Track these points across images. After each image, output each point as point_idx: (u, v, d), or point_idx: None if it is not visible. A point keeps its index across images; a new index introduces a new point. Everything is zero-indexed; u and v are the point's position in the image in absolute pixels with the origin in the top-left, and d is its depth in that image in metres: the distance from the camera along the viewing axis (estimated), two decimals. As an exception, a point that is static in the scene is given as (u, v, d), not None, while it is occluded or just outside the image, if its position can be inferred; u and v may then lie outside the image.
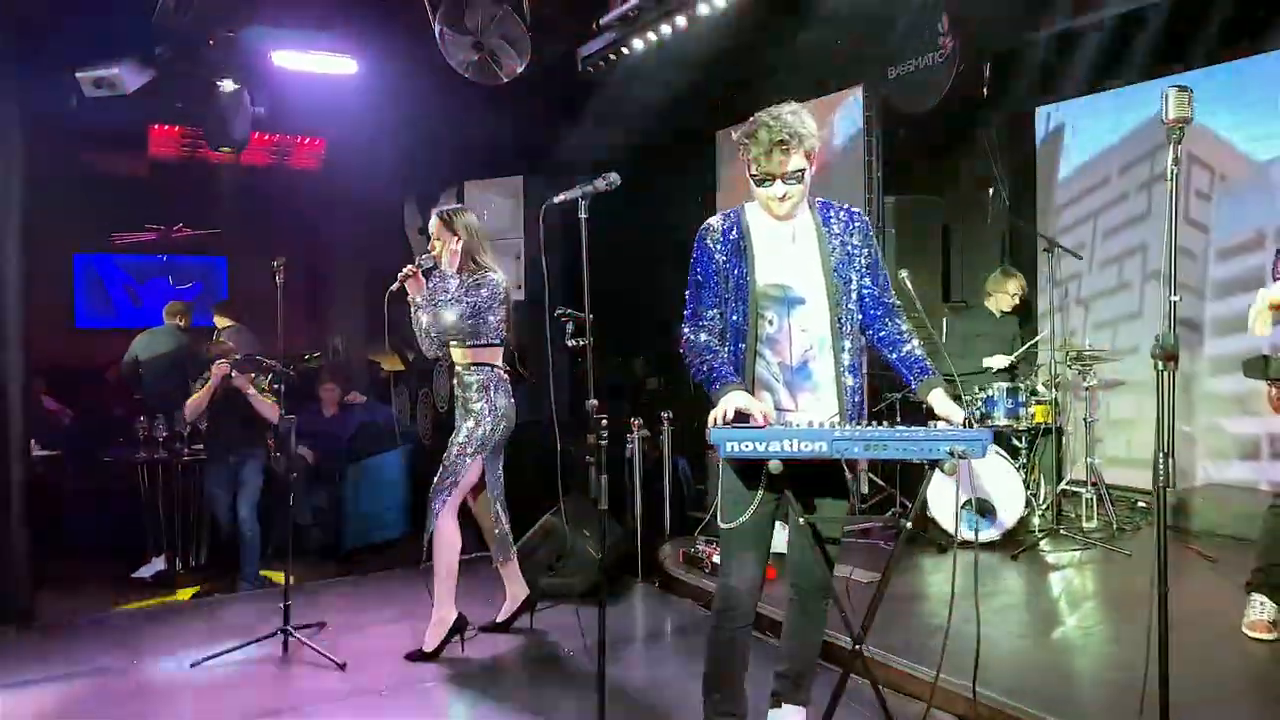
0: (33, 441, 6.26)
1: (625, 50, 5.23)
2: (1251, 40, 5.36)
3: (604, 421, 2.88)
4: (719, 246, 2.78)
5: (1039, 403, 5.34)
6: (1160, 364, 2.41)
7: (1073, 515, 5.65)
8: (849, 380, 2.75)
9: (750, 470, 2.68)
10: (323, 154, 7.64)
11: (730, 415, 2.49)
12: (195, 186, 7.95)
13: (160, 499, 6.03)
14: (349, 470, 6.63)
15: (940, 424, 2.61)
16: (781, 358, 2.75)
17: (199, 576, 6.00)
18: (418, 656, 3.93)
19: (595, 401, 2.88)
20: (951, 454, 2.39)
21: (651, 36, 4.97)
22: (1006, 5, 5.47)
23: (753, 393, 2.76)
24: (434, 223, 3.96)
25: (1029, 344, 5.73)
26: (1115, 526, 5.35)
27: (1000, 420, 5.30)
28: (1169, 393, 2.41)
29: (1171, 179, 2.42)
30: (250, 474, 5.43)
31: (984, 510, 5.15)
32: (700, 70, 6.75)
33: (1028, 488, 5.15)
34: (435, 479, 3.93)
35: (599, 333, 3.18)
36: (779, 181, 2.63)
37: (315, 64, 5.51)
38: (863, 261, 2.78)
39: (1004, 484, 5.09)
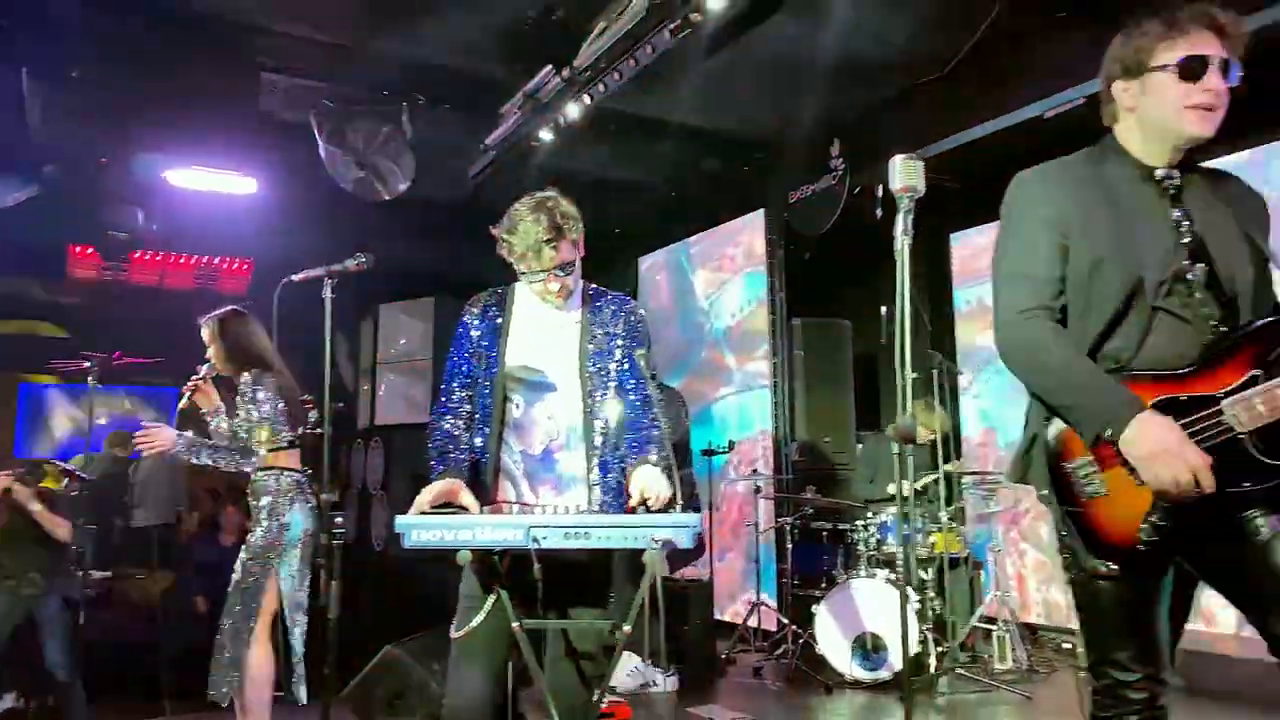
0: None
1: (503, 168, 5.26)
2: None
3: (339, 520, 2.64)
4: (476, 323, 2.61)
5: (939, 530, 5.01)
6: (898, 445, 2.18)
7: (989, 655, 5.18)
8: (598, 475, 2.51)
9: (491, 570, 2.42)
10: (249, 277, 7.69)
11: (425, 503, 2.26)
12: (125, 311, 7.97)
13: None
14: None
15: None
16: (525, 446, 2.54)
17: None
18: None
19: (331, 496, 2.65)
20: (655, 542, 2.12)
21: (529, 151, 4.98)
22: (895, 127, 5.50)
23: (496, 483, 2.54)
24: (204, 331, 3.82)
25: (932, 475, 5.41)
26: (1027, 667, 4.88)
27: (894, 548, 4.96)
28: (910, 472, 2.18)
29: (901, 250, 2.27)
30: (51, 610, 4.61)
31: (878, 647, 4.73)
32: (610, 194, 6.86)
33: (924, 621, 4.73)
34: (239, 605, 3.62)
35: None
36: (549, 278, 2.48)
37: (211, 182, 5.58)
38: (623, 351, 2.60)
39: (897, 619, 4.68)
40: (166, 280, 7.42)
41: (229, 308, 3.89)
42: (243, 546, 3.64)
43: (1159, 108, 1.78)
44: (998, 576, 5.13)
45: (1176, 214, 1.78)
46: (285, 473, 3.65)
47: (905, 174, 2.27)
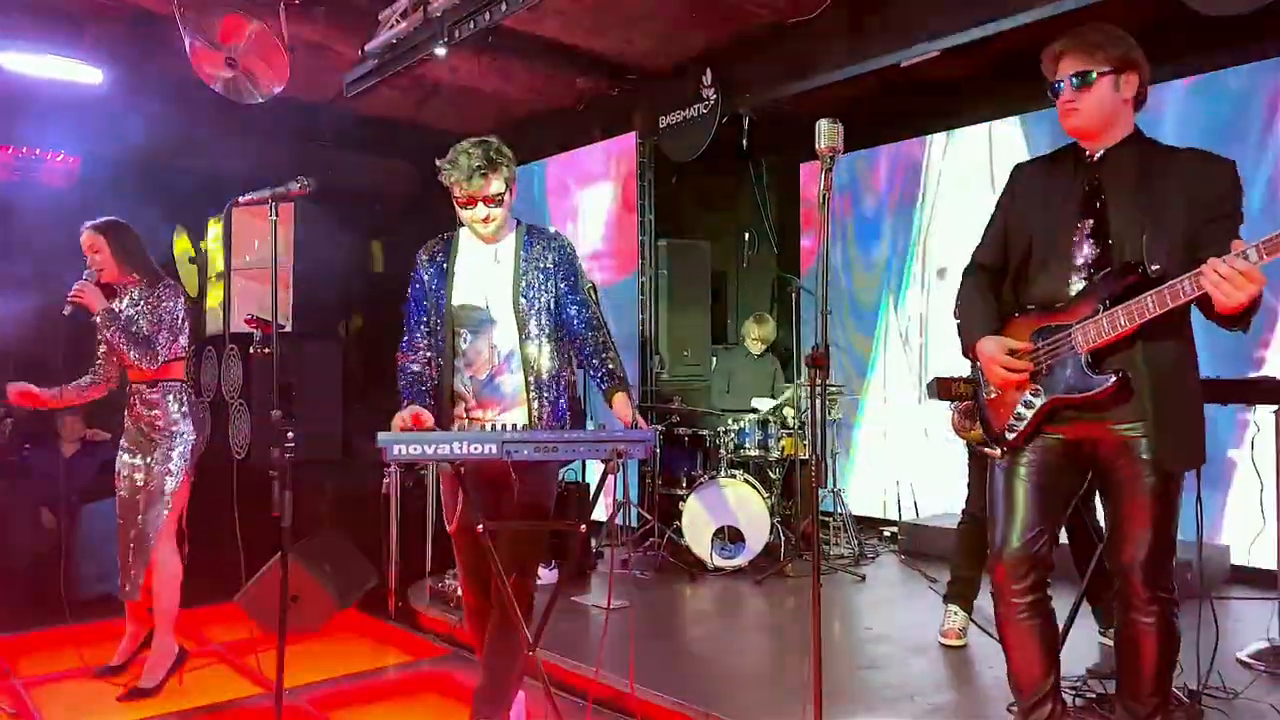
0: None
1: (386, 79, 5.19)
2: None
3: (289, 434, 2.80)
4: (428, 270, 2.91)
5: (788, 435, 5.62)
6: (812, 368, 2.60)
7: (826, 542, 5.92)
8: (537, 392, 2.81)
9: (455, 478, 2.72)
10: (76, 172, 7.09)
11: (406, 423, 2.53)
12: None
13: None
14: (81, 515, 6.05)
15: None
16: (474, 372, 2.85)
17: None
18: (136, 694, 3.68)
19: (279, 413, 2.80)
20: (616, 453, 2.45)
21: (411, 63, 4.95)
22: (766, 62, 5.83)
23: (452, 403, 2.82)
24: (85, 237, 3.73)
25: (788, 391, 6.02)
26: (857, 553, 5.64)
27: (752, 451, 5.53)
28: (821, 393, 2.62)
29: (824, 204, 2.63)
30: None
31: (735, 538, 5.33)
32: (481, 104, 6.86)
33: (775, 515, 5.35)
34: (144, 509, 3.68)
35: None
36: (480, 204, 2.75)
37: (51, 69, 5.14)
38: (559, 283, 2.87)
39: (752, 513, 5.28)
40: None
41: (111, 218, 3.82)
42: (127, 452, 3.75)
43: (1058, 112, 2.40)
44: (834, 476, 5.84)
45: (1084, 181, 2.37)
46: (182, 383, 3.76)
47: (828, 136, 2.59)
